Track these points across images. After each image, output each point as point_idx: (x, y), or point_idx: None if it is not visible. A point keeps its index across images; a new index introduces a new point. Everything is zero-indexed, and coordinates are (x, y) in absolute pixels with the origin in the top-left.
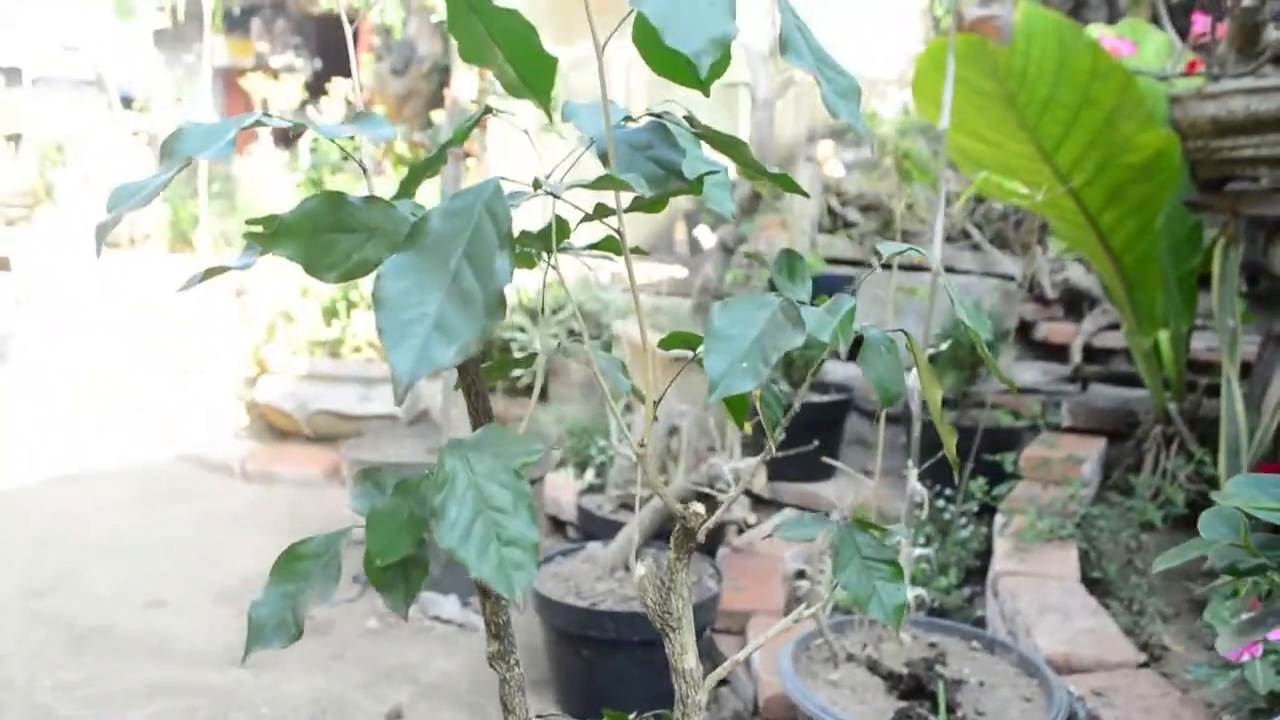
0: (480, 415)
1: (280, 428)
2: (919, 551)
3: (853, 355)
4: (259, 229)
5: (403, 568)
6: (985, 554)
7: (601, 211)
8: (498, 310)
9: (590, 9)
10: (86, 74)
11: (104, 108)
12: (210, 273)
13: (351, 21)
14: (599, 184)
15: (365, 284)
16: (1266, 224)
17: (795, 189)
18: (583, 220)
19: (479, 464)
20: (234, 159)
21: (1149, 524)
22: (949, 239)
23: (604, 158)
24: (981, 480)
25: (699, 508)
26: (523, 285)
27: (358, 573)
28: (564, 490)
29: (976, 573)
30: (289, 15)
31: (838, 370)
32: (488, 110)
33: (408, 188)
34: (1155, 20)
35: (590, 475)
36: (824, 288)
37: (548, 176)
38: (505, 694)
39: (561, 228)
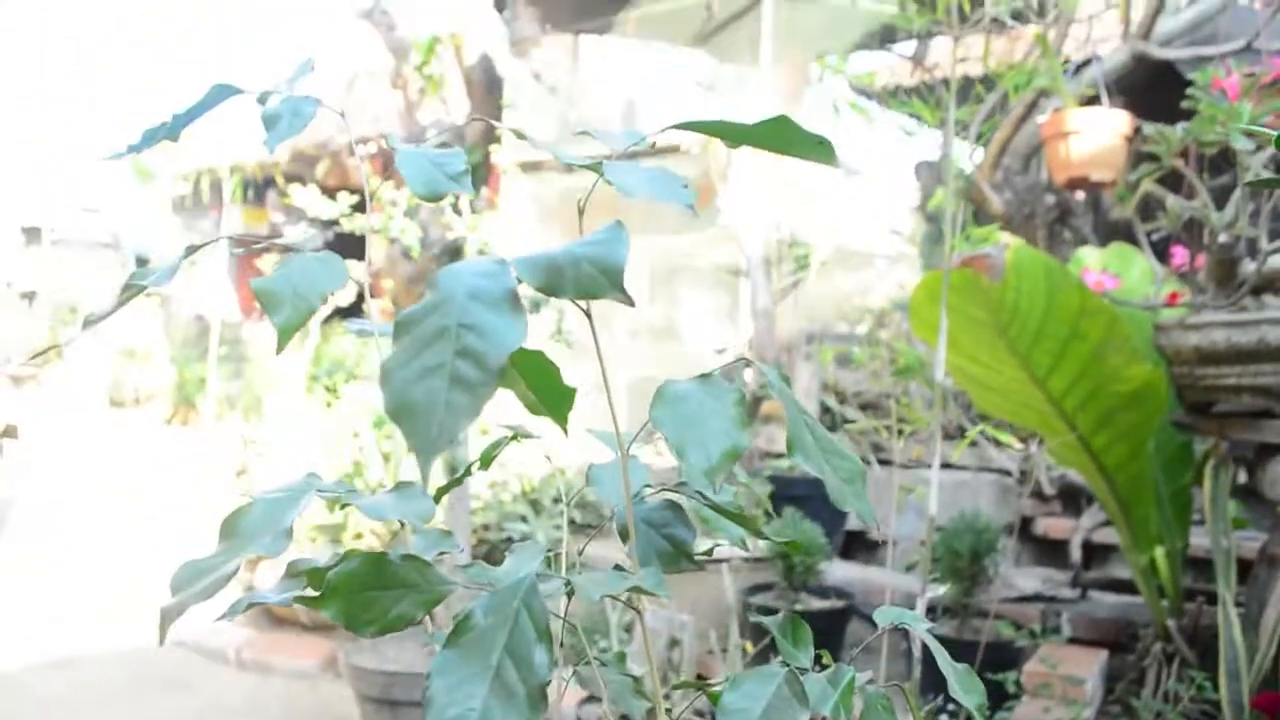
0: None
1: (278, 614)
2: None
3: (848, 550)
4: (303, 580)
5: None
6: None
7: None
8: (540, 703)
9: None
10: (104, 236)
11: (119, 269)
12: (250, 606)
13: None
14: (631, 589)
15: (370, 471)
16: (1255, 446)
17: (798, 547)
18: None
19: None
20: (243, 323)
21: None
22: (947, 435)
23: (623, 533)
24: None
25: None
26: (526, 474)
27: None
28: (563, 699)
29: None
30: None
31: (837, 572)
32: (514, 437)
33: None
34: (1132, 236)
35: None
36: (824, 491)
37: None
38: None
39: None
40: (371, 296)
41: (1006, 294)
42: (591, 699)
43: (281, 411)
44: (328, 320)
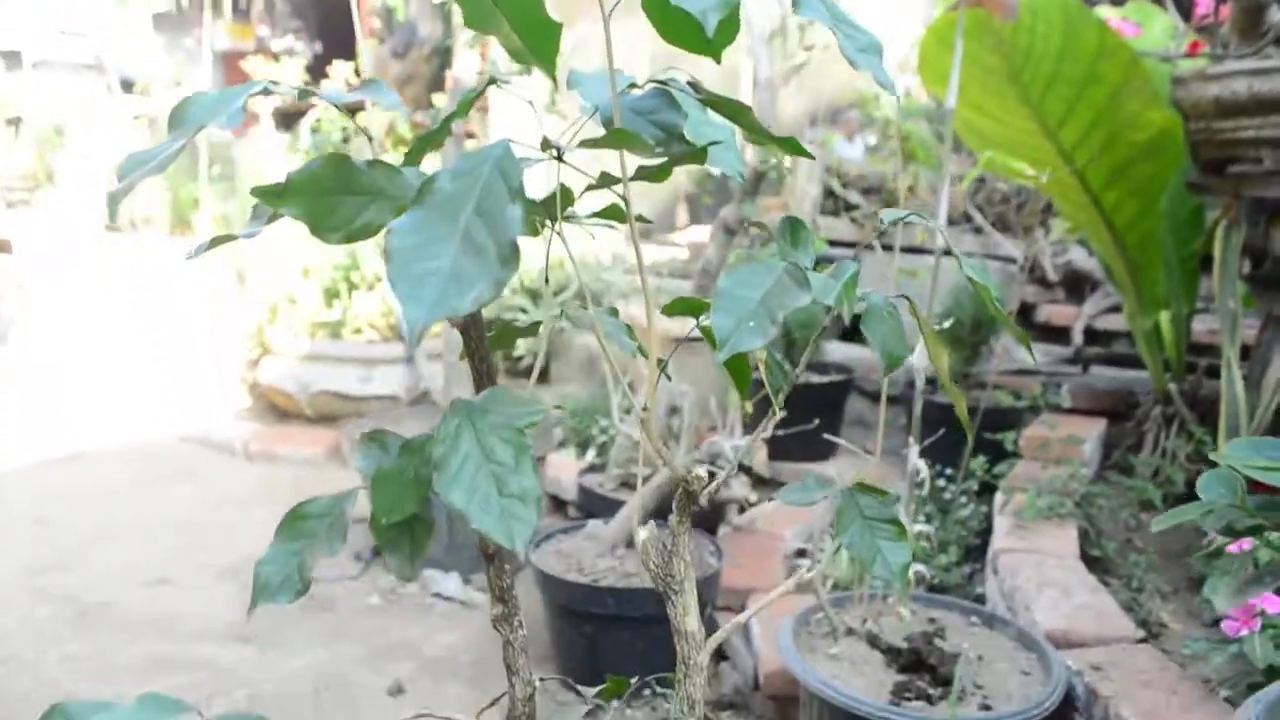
0: (483, 379)
1: (282, 408)
2: (919, 528)
3: (852, 334)
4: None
5: (408, 527)
6: (985, 533)
7: (606, 180)
8: (511, 260)
9: None
10: (86, 58)
11: (104, 91)
12: (216, 241)
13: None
14: (608, 140)
15: (366, 266)
16: (1268, 206)
17: (801, 152)
18: (587, 189)
19: (482, 422)
20: (234, 142)
21: (1149, 503)
22: (951, 221)
23: (609, 125)
24: (982, 459)
25: (701, 471)
26: (525, 268)
27: (360, 549)
28: (565, 470)
29: (976, 551)
30: None
31: (837, 351)
32: (491, 81)
33: (413, 158)
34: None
35: (591, 455)
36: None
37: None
38: (509, 656)
39: (566, 195)
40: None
41: (1020, 35)
42: (592, 469)
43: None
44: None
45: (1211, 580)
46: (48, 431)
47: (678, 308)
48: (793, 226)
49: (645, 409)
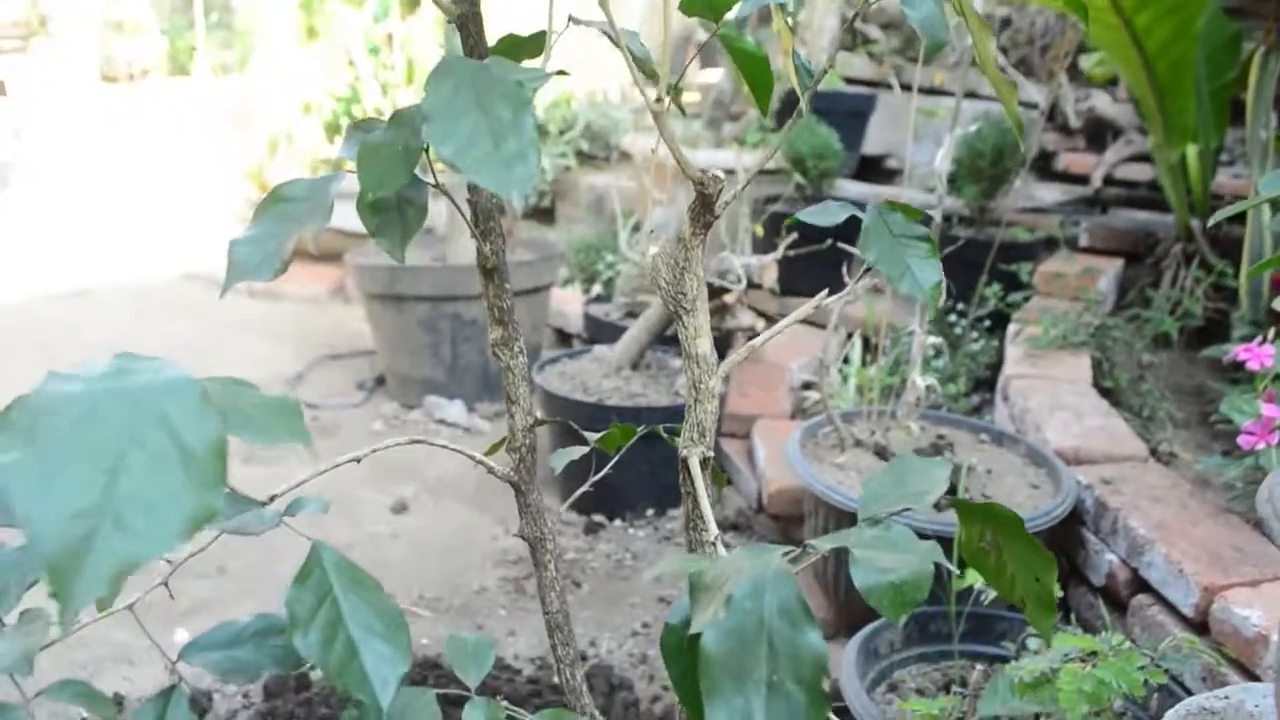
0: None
1: None
2: (932, 339)
3: (862, 175)
4: None
5: (398, 211)
6: (995, 367)
7: None
8: None
9: None
10: None
11: None
12: None
13: None
14: None
15: (367, 100)
16: None
17: None
18: None
19: (478, 77)
20: None
21: (1165, 338)
22: (972, 63)
23: None
24: (996, 287)
25: (718, 171)
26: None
27: (363, 379)
28: (570, 303)
29: (985, 385)
30: None
31: (850, 189)
32: None
33: None
34: None
35: (597, 289)
36: (841, 106)
37: None
38: (508, 384)
39: None
40: None
41: None
42: (598, 299)
43: (276, 51)
44: None
45: (1230, 399)
46: (51, 270)
47: (697, 3)
48: None
49: (659, 99)
